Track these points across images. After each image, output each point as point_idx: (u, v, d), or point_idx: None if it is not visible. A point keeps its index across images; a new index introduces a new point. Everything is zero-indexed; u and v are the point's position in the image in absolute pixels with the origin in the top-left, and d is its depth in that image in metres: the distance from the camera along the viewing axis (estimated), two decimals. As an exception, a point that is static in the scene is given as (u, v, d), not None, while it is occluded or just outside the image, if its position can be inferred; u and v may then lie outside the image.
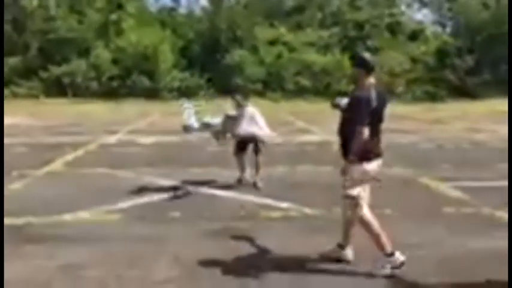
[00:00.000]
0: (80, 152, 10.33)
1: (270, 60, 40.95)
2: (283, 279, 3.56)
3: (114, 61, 38.36)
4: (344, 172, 3.66)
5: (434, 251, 4.09)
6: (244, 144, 6.67)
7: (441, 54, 38.24)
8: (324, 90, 34.97)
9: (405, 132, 14.34)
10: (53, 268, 3.80)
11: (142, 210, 5.53)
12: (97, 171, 8.01)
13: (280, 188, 6.47)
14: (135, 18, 41.52)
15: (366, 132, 3.53)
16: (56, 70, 37.72)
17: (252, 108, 6.54)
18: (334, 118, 4.27)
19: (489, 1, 40.17)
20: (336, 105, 4.01)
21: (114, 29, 40.48)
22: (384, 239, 3.68)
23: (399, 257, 3.64)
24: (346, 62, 33.95)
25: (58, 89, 37.50)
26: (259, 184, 6.55)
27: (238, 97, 6.59)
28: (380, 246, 3.68)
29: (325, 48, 40.51)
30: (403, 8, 45.80)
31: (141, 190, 6.44)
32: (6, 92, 34.28)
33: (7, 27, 37.48)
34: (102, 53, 38.42)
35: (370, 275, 3.60)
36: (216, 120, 6.63)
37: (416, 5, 48.19)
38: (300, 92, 37.71)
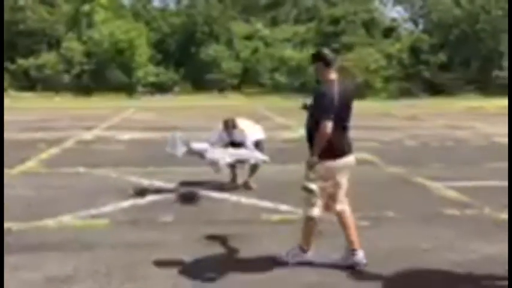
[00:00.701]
0: (56, 150, 9.84)
1: (246, 55, 40.70)
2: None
3: (87, 54, 37.31)
4: (309, 165, 3.53)
5: (448, 256, 3.90)
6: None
7: (415, 51, 38.65)
8: (299, 87, 34.86)
9: (386, 129, 14.30)
10: (41, 281, 3.46)
11: (130, 214, 5.18)
12: (77, 171, 7.59)
13: (277, 188, 6.16)
14: (108, 10, 40.43)
15: (330, 126, 3.43)
16: (24, 62, 36.52)
17: (240, 130, 6.18)
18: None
19: (461, -1, 40.75)
20: (304, 106, 3.87)
21: (86, 21, 39.37)
22: (311, 241, 3.73)
23: (309, 259, 3.69)
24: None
25: (26, 82, 36.35)
26: (252, 184, 6.28)
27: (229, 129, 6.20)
28: (305, 242, 3.73)
29: (301, 44, 40.45)
30: (376, 4, 46.08)
31: (127, 191, 6.07)
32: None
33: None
34: (73, 46, 37.32)
35: (373, 277, 3.44)
36: (203, 145, 6.18)
37: (390, 3, 48.64)
38: (275, 88, 37.57)
